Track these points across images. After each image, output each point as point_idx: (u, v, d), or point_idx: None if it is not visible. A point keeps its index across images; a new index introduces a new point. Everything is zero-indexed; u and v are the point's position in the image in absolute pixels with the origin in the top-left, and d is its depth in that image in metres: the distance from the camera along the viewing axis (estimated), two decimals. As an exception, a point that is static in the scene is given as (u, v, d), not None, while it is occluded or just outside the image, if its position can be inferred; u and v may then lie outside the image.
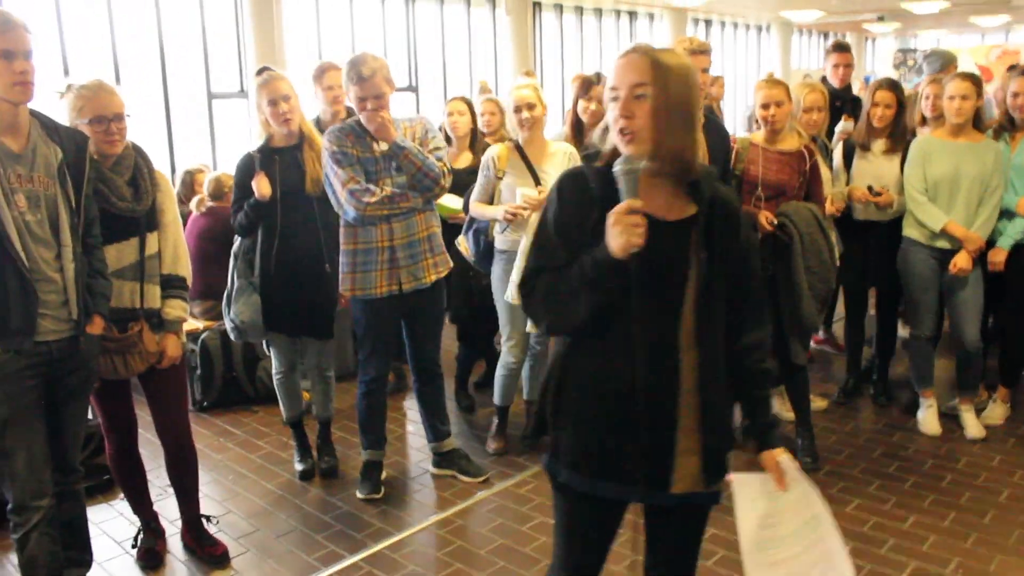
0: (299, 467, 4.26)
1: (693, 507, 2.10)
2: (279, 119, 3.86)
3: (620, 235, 1.80)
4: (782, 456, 2.07)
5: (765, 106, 4.01)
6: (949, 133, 4.33)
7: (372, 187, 3.65)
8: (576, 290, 1.89)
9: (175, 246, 3.30)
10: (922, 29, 22.70)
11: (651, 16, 16.36)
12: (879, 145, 4.61)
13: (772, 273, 3.95)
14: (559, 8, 14.60)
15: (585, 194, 1.94)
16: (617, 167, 1.84)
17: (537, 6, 13.93)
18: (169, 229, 3.28)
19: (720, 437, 2.04)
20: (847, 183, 4.65)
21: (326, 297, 4.02)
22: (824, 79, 5.71)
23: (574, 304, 1.91)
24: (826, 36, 21.91)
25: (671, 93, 1.84)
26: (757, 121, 4.15)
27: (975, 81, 4.30)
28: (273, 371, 4.25)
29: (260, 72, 3.94)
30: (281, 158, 3.91)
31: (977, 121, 4.37)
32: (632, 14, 16.08)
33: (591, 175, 1.97)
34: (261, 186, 3.84)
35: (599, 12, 15.47)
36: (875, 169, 4.57)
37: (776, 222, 3.91)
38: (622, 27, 16.06)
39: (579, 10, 15.01)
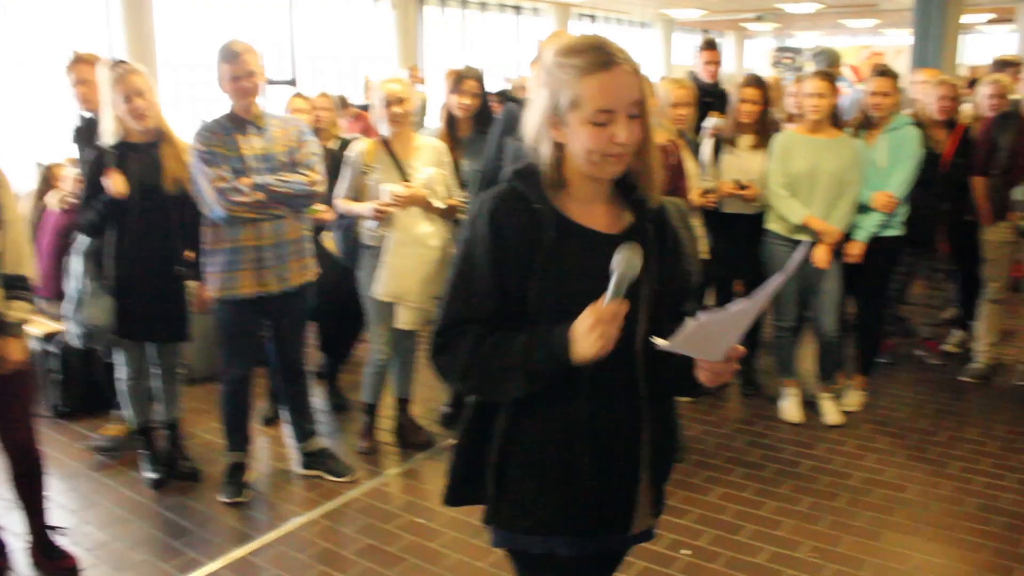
0: (150, 476, 4.07)
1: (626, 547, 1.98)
2: (135, 114, 3.70)
3: (595, 342, 1.56)
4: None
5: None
6: (808, 129, 4.47)
7: (242, 186, 3.54)
8: (514, 371, 1.65)
9: (18, 244, 3.12)
10: (798, 29, 23.51)
11: (535, 11, 16.44)
12: (746, 140, 4.73)
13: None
14: (443, 2, 14.53)
15: (531, 221, 1.67)
16: (618, 256, 1.57)
17: (421, 0, 13.83)
18: (10, 227, 3.10)
19: (668, 463, 1.90)
20: (715, 178, 4.75)
21: (181, 299, 3.89)
22: (694, 75, 5.82)
23: (507, 384, 1.68)
24: (706, 33, 22.45)
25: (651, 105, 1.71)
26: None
27: (830, 79, 4.45)
28: (120, 376, 4.07)
29: (114, 65, 3.76)
30: (137, 155, 3.74)
31: (835, 119, 4.52)
32: (517, 9, 16.13)
33: (533, 196, 1.70)
34: (117, 183, 3.67)
35: (483, 6, 15.46)
36: (742, 163, 4.68)
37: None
38: (507, 22, 16.09)
39: (463, 3, 14.97)
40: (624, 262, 1.56)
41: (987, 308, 5.15)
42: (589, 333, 1.56)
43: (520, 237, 1.66)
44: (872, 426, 4.62)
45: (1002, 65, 6.63)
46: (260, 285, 3.68)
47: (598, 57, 1.62)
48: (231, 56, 3.53)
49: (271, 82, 11.48)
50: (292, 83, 12.03)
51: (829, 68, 6.00)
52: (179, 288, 3.88)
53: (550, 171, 1.71)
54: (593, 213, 1.73)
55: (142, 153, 3.75)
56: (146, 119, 3.73)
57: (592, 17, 18.33)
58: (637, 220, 1.75)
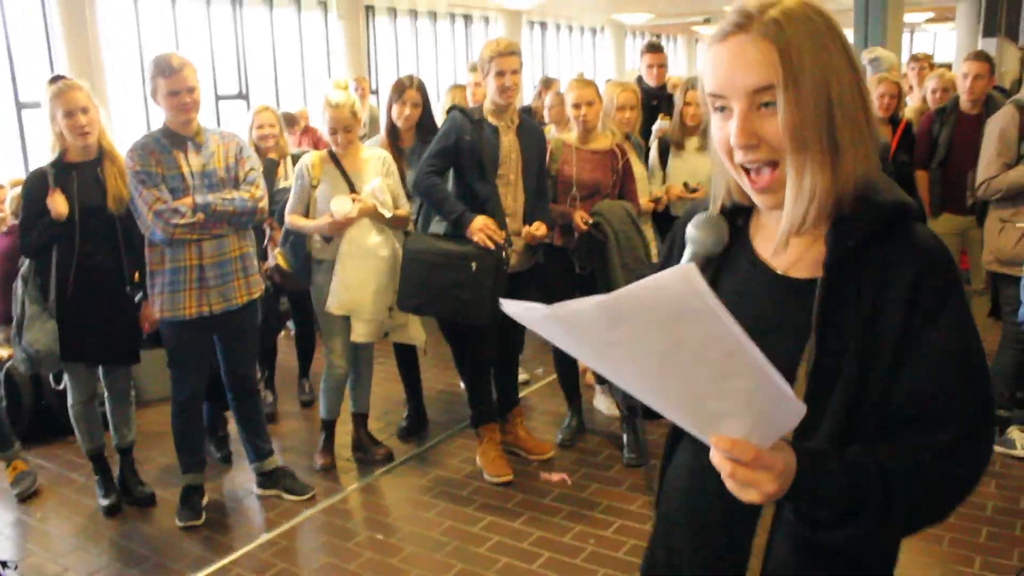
0: (104, 502, 3.97)
1: None
2: (76, 132, 3.62)
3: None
4: None
5: (576, 106, 4.07)
6: None
7: (181, 207, 3.47)
8: None
9: None
10: (746, 31, 23.77)
11: (486, 20, 16.47)
12: (693, 143, 4.76)
13: (589, 271, 4.02)
14: (393, 12, 14.51)
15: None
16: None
17: (370, 10, 13.79)
18: None
19: None
20: (663, 181, 4.77)
21: (130, 320, 3.82)
22: (640, 79, 5.85)
23: None
24: (658, 37, 22.66)
25: (813, 84, 1.13)
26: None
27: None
28: (70, 402, 3.97)
29: (54, 80, 3.66)
30: (79, 174, 3.66)
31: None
32: (467, 17, 16.16)
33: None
34: (58, 204, 3.58)
35: (433, 16, 15.46)
36: (690, 166, 4.71)
37: (591, 221, 3.96)
38: (457, 31, 16.11)
39: (413, 13, 14.95)
40: (697, 235, 1.27)
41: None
42: None
43: None
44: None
45: (915, 60, 6.81)
46: (203, 305, 3.62)
47: (724, 25, 1.19)
48: (169, 71, 3.44)
49: (220, 97, 11.41)
50: (242, 96, 11.93)
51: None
52: (128, 309, 3.80)
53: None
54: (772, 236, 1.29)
55: (83, 172, 3.67)
56: (89, 136, 3.65)
57: (543, 24, 18.41)
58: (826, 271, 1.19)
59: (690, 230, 1.25)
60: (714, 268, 1.30)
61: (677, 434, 1.39)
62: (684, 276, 0.89)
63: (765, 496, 1.05)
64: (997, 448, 4.23)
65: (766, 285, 1.24)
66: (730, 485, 1.06)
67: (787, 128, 1.12)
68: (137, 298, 3.84)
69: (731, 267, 1.29)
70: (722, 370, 0.97)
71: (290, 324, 5.52)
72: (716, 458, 1.06)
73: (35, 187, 3.66)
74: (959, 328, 1.15)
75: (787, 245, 1.23)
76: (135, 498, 4.02)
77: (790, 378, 1.10)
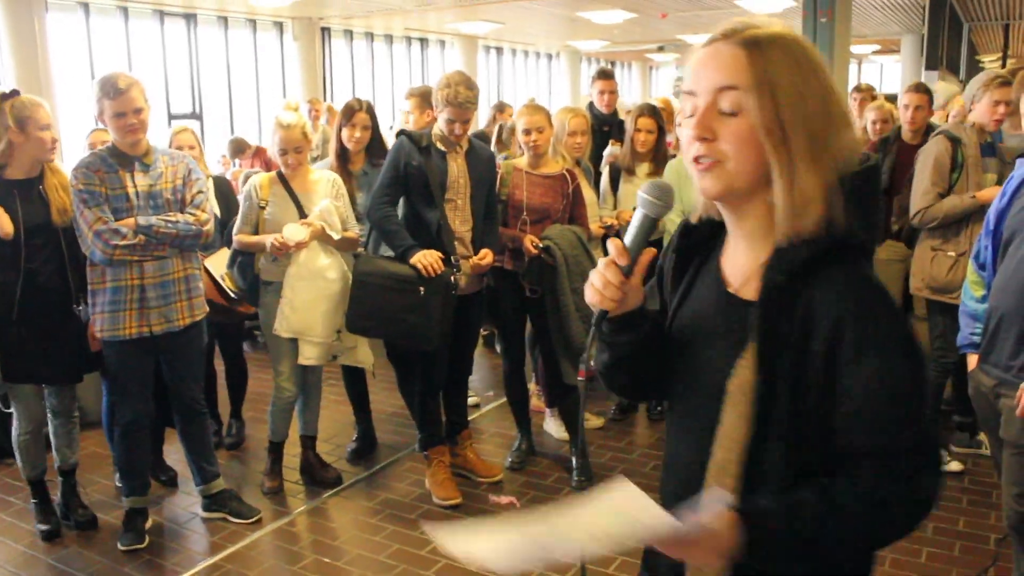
0: (41, 528, 3.87)
1: None
2: (46, 148, 3.60)
3: (592, 292, 1.31)
4: None
5: (527, 132, 4.11)
6: None
7: (121, 228, 3.44)
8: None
9: None
10: (699, 59, 24.14)
11: (442, 44, 16.56)
12: (643, 168, 4.83)
13: (539, 294, 4.05)
14: (348, 34, 14.53)
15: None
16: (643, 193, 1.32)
17: (326, 32, 13.81)
18: None
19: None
20: (614, 206, 4.83)
21: (76, 338, 3.75)
22: (591, 105, 5.92)
23: None
24: (613, 64, 22.92)
25: (782, 101, 1.19)
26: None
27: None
28: (16, 431, 3.84)
29: (9, 95, 3.57)
30: (20, 192, 3.59)
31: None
32: (423, 41, 16.23)
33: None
34: (3, 223, 3.50)
35: (389, 38, 15.51)
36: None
37: (541, 245, 4.00)
38: (413, 53, 16.17)
39: (369, 36, 15.00)
40: (646, 198, 1.31)
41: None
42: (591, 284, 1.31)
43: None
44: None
45: (857, 91, 7.02)
46: (143, 326, 3.58)
47: (713, 33, 1.29)
48: (114, 92, 3.41)
49: (174, 116, 11.32)
50: (196, 116, 11.85)
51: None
52: (74, 327, 3.73)
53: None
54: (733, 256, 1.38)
55: (24, 190, 3.60)
56: (53, 152, 3.63)
57: (499, 49, 18.54)
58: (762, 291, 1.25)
59: (640, 194, 1.31)
60: (690, 277, 1.39)
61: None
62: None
63: (719, 572, 1.18)
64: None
65: (717, 300, 1.32)
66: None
67: (747, 129, 1.19)
68: (84, 315, 3.77)
69: (703, 277, 1.37)
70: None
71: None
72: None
73: None
74: (885, 369, 1.18)
75: (735, 243, 1.32)
76: (77, 522, 3.94)
77: (720, 391, 1.24)
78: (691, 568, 1.20)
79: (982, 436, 4.41)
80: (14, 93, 3.61)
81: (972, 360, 2.88)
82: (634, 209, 1.36)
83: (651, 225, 1.30)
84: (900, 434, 1.19)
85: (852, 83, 9.34)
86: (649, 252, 1.30)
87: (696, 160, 1.23)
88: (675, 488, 1.37)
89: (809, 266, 1.20)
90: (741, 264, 1.30)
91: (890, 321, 1.21)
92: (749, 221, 1.27)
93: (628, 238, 1.30)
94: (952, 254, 4.14)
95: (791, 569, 1.22)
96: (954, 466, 4.27)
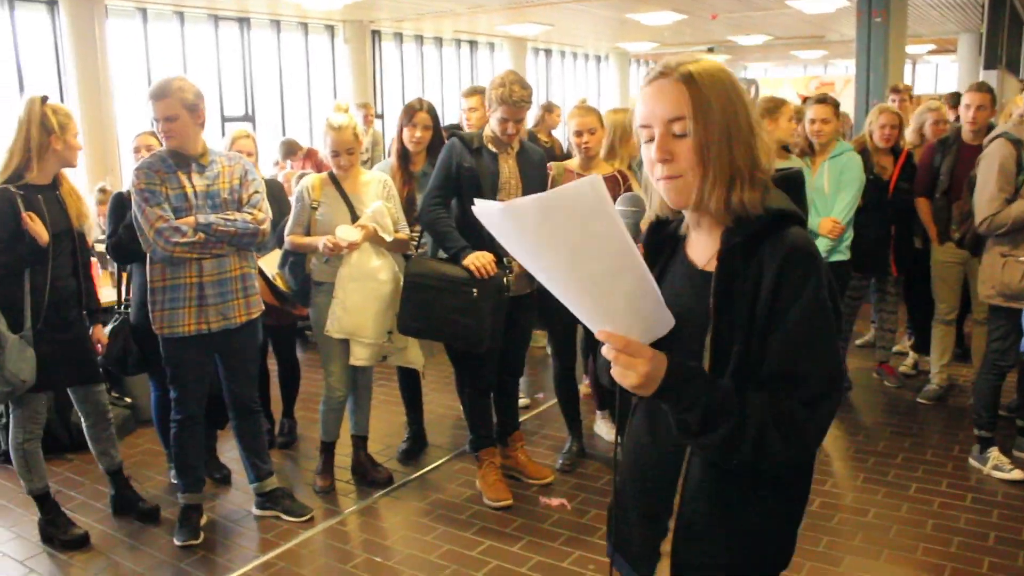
0: (66, 538, 3.82)
1: None
2: (74, 154, 3.66)
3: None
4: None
5: (578, 133, 4.09)
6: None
7: (182, 226, 3.50)
8: None
9: None
10: (750, 60, 23.93)
11: (491, 46, 16.59)
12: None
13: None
14: (399, 37, 14.62)
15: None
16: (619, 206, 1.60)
17: (376, 35, 13.90)
18: None
19: (704, 549, 1.63)
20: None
21: (88, 340, 3.85)
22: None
23: None
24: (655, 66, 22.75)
25: (716, 121, 1.48)
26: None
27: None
28: (18, 440, 3.75)
29: (40, 100, 3.58)
30: (44, 197, 3.63)
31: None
32: (472, 43, 16.27)
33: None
34: (40, 230, 3.52)
35: (439, 41, 15.57)
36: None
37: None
38: (463, 56, 16.21)
39: (419, 39, 15.06)
40: (623, 209, 1.59)
41: (938, 329, 5.23)
42: None
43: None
44: (830, 451, 4.65)
45: (895, 91, 6.89)
46: (201, 323, 3.63)
47: (651, 71, 1.56)
48: (153, 99, 3.49)
49: (227, 119, 11.49)
50: (248, 118, 12.01)
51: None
52: (85, 330, 3.83)
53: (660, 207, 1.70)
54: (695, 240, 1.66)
55: (47, 196, 3.64)
56: (75, 160, 3.69)
57: (548, 51, 18.53)
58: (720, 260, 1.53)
59: (617, 206, 1.56)
60: (661, 266, 1.66)
61: (626, 412, 1.75)
62: (592, 184, 1.24)
63: (641, 377, 1.39)
64: (976, 465, 4.34)
65: (688, 277, 1.60)
66: (615, 373, 1.42)
67: (693, 150, 1.48)
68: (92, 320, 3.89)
69: (672, 266, 1.66)
70: (614, 265, 1.33)
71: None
72: (606, 350, 1.42)
73: (4, 210, 3.51)
74: (811, 311, 1.45)
75: (689, 240, 1.63)
76: (140, 512, 4.01)
77: (700, 351, 1.51)
78: (615, 369, 1.42)
79: None
80: (45, 99, 3.61)
81: None
82: None
83: (636, 231, 1.57)
84: (814, 361, 1.46)
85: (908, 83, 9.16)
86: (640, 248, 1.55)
87: (664, 178, 1.52)
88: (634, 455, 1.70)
89: (757, 233, 1.48)
90: (703, 249, 1.59)
91: (818, 267, 1.47)
92: (707, 217, 1.56)
93: None
94: (1023, 259, 4.02)
95: (687, 428, 1.43)
96: (1016, 474, 4.16)
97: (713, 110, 1.47)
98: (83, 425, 4.00)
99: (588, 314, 1.44)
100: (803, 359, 1.45)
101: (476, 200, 1.32)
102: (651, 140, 1.51)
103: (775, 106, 4.61)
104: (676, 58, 1.53)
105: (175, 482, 4.08)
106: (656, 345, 1.46)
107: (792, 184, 1.61)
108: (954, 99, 6.97)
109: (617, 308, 1.40)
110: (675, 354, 1.49)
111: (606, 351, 1.42)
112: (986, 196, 4.10)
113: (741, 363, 1.48)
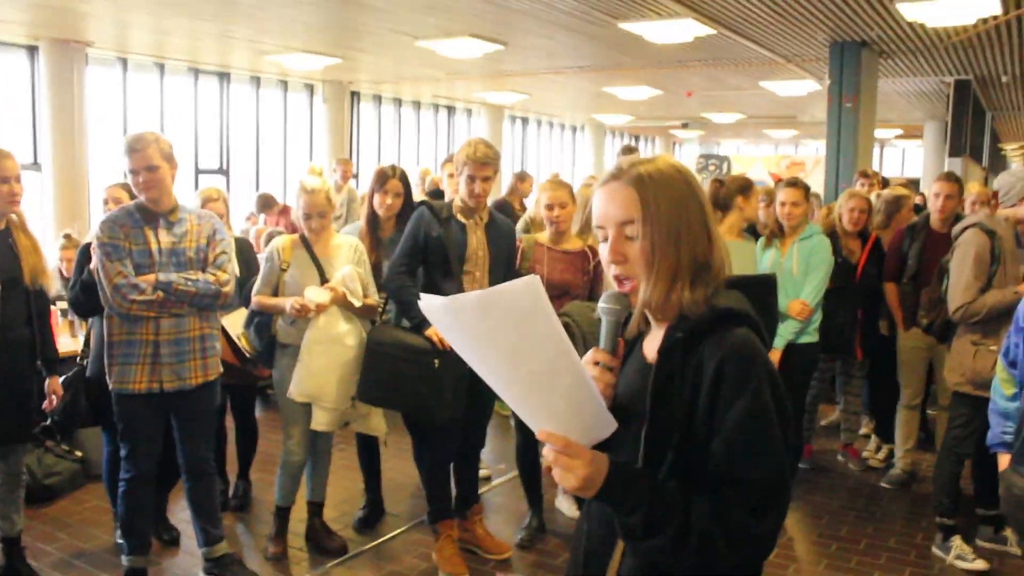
0: None
1: None
2: (7, 200, 3.55)
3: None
4: None
5: (550, 207, 4.10)
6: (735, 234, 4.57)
7: (141, 283, 3.45)
8: None
9: None
10: (723, 137, 24.40)
11: (469, 112, 16.78)
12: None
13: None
14: (378, 99, 14.75)
15: None
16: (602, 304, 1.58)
17: (356, 95, 14.02)
18: None
19: None
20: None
21: (37, 398, 3.74)
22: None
23: None
24: (637, 138, 23.15)
25: (663, 224, 1.50)
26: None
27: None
28: None
29: None
30: None
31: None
32: (451, 108, 16.45)
33: None
34: None
35: (418, 104, 15.73)
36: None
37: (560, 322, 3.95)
38: (440, 120, 16.38)
39: (398, 102, 15.22)
40: (607, 307, 1.58)
41: (903, 414, 5.24)
42: None
43: None
44: (793, 534, 4.61)
45: (864, 175, 7.04)
46: (154, 381, 3.55)
47: (605, 175, 1.60)
48: (130, 150, 3.46)
49: (201, 171, 11.47)
50: (223, 171, 12.00)
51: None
52: (37, 385, 3.72)
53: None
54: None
55: None
56: (16, 205, 3.59)
57: (525, 120, 18.77)
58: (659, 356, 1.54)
59: (601, 306, 1.58)
60: (624, 357, 1.65)
61: None
62: (528, 284, 1.26)
63: (581, 480, 1.38)
64: (940, 554, 4.32)
65: (639, 371, 1.61)
66: (555, 474, 1.41)
67: (642, 251, 1.51)
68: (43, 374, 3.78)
69: (631, 358, 1.67)
70: (553, 366, 1.33)
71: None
72: (546, 451, 1.41)
73: None
74: (750, 415, 1.42)
75: (649, 332, 1.64)
76: None
77: (640, 439, 1.49)
78: (555, 471, 1.41)
79: (1008, 532, 4.29)
80: None
81: (1004, 460, 2.79)
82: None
83: (617, 327, 1.57)
84: (757, 467, 1.43)
85: (876, 166, 9.35)
86: (620, 343, 1.61)
87: (617, 279, 1.56)
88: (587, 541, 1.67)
89: (699, 331, 1.49)
90: (654, 344, 1.58)
91: (761, 370, 1.45)
92: (657, 313, 1.58)
93: (603, 343, 1.57)
94: (994, 348, 4.02)
95: (631, 531, 1.42)
96: (979, 564, 4.13)
97: (661, 213, 1.50)
98: None
99: (530, 413, 1.44)
100: (744, 464, 1.43)
101: (422, 295, 1.33)
102: (606, 240, 1.56)
103: (748, 185, 4.68)
104: (629, 159, 1.57)
105: (120, 543, 3.94)
106: (607, 439, 1.47)
107: (762, 289, 1.62)
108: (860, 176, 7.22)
109: (557, 409, 1.40)
110: (624, 446, 1.51)
111: (546, 452, 1.41)
112: (962, 284, 4.10)
113: (678, 460, 1.46)
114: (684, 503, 1.41)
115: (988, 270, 4.05)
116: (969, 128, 12.40)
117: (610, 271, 1.57)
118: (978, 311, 4.04)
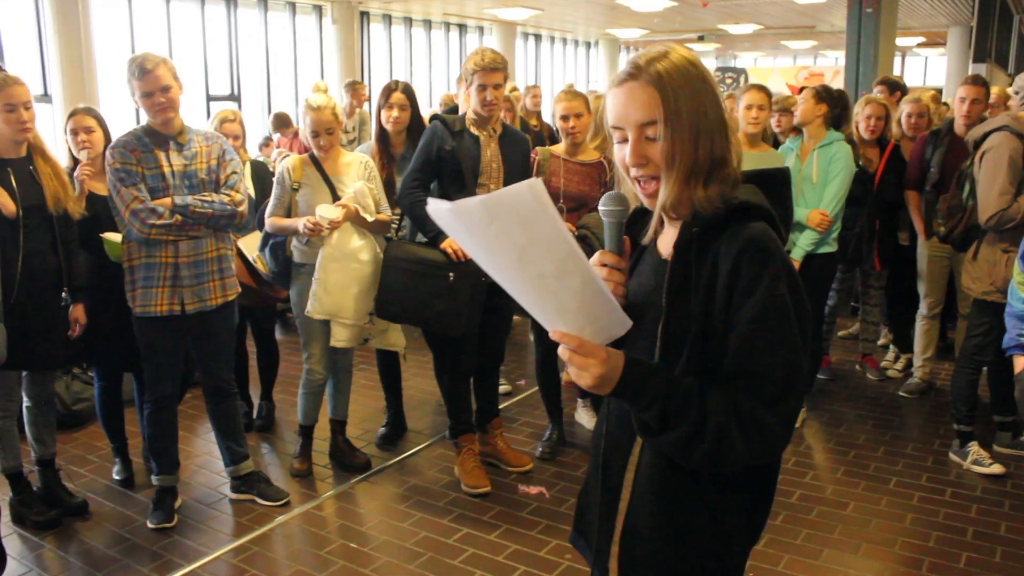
0: (38, 519, 3.77)
1: None
2: (17, 127, 3.47)
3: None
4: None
5: (565, 118, 4.05)
6: (747, 144, 4.47)
7: (158, 208, 3.44)
8: None
9: None
10: (740, 50, 23.91)
11: (480, 29, 16.49)
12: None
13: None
14: (387, 18, 14.50)
15: None
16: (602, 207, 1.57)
17: (365, 16, 13.79)
18: None
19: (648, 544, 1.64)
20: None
21: (64, 324, 3.73)
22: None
23: None
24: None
25: (685, 123, 1.47)
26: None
27: (766, 92, 4.50)
28: None
29: None
30: (14, 170, 3.52)
31: (765, 135, 4.55)
32: (462, 27, 16.17)
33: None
34: (6, 201, 3.43)
35: (428, 24, 15.46)
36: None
37: (578, 234, 3.93)
38: (452, 39, 16.12)
39: (408, 21, 14.95)
40: (608, 208, 1.56)
41: (922, 324, 5.21)
42: None
43: None
44: (811, 442, 4.64)
45: (882, 84, 6.84)
46: (175, 303, 3.57)
47: (621, 72, 1.55)
48: (141, 72, 3.40)
49: (212, 98, 11.37)
50: (233, 98, 11.89)
51: None
52: (64, 312, 3.72)
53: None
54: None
55: (18, 169, 3.53)
56: (29, 132, 3.52)
57: (538, 36, 18.44)
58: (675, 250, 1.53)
59: (601, 206, 1.56)
60: (636, 255, 1.66)
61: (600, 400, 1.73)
62: (530, 187, 1.22)
63: (596, 378, 1.38)
64: (956, 459, 4.34)
65: (654, 267, 1.60)
66: (571, 372, 1.41)
67: (663, 152, 1.47)
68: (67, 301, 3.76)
69: (645, 255, 1.65)
70: (562, 267, 1.31)
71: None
72: (561, 350, 1.41)
73: None
74: (766, 309, 1.41)
75: (663, 230, 1.62)
76: (68, 508, 3.86)
77: (655, 336, 1.49)
78: (571, 369, 1.42)
79: None
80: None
81: (1020, 362, 2.78)
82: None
83: (621, 228, 1.56)
84: (772, 359, 1.41)
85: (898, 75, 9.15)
86: (626, 241, 1.60)
87: (638, 181, 1.52)
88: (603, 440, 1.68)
89: (714, 226, 1.46)
90: (669, 240, 1.57)
91: (777, 263, 1.43)
92: (678, 210, 1.53)
93: (608, 244, 1.56)
94: None
95: (647, 426, 1.43)
96: (996, 468, 4.15)
97: (682, 112, 1.46)
98: (23, 407, 3.85)
99: (542, 314, 1.43)
100: (759, 357, 1.42)
101: (429, 200, 1.31)
102: (623, 141, 1.51)
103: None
104: (645, 55, 1.50)
105: (150, 464, 4.02)
106: (623, 337, 1.46)
107: (775, 183, 1.58)
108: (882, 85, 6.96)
109: (569, 308, 1.39)
110: (639, 342, 1.50)
111: (562, 351, 1.41)
112: (996, 191, 3.95)
113: (694, 355, 1.46)
114: (700, 397, 1.41)
115: (1020, 175, 3.94)
116: (995, 33, 12.08)
117: (629, 172, 1.53)
118: (1014, 217, 3.92)
